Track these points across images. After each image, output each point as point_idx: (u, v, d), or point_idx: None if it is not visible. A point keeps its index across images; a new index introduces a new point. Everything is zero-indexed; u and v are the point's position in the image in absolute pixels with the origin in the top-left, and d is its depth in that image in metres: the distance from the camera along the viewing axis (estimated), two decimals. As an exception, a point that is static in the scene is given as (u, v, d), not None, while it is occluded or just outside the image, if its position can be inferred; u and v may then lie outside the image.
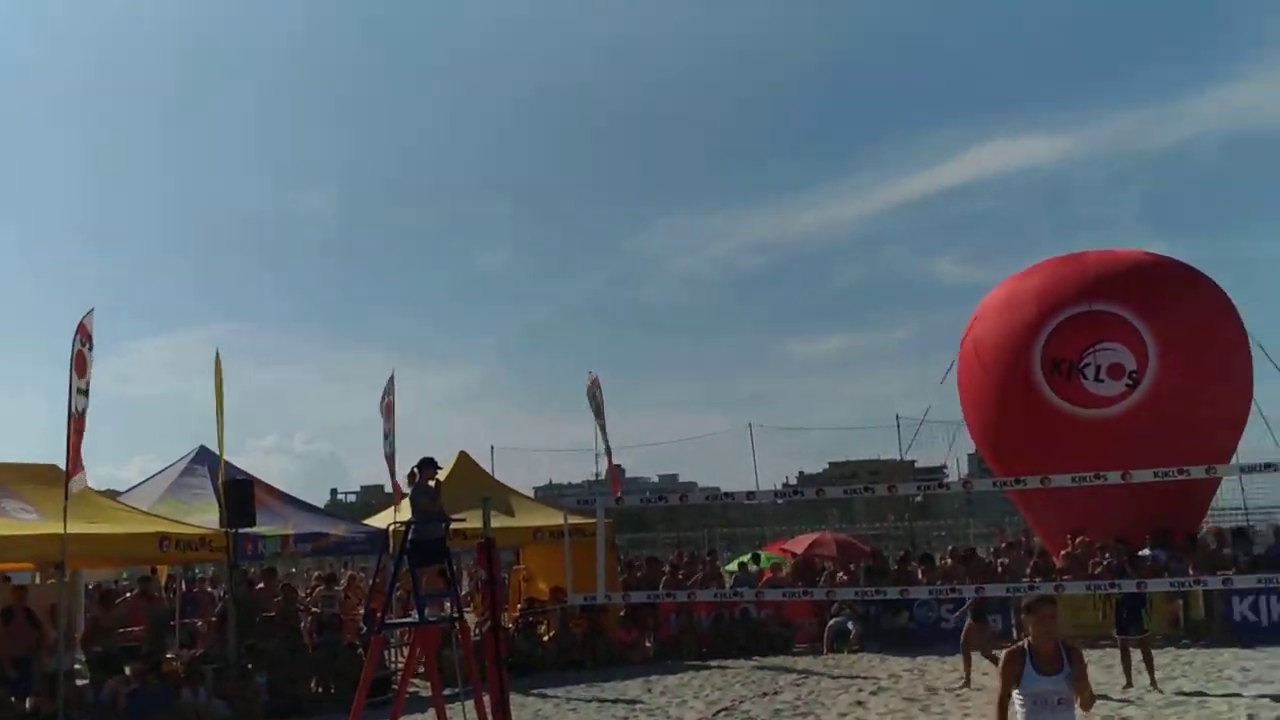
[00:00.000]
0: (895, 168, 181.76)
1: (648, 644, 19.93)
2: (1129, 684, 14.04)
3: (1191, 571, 18.07)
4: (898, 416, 28.20)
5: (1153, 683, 13.85)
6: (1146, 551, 18.89)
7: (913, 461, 32.39)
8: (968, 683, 14.74)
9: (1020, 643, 6.02)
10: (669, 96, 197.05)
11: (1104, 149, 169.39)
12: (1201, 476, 17.73)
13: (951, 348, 23.52)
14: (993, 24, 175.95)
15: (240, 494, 15.39)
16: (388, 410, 18.64)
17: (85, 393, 13.57)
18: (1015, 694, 5.89)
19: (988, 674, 14.94)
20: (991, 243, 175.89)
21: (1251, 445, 21.83)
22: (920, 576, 19.86)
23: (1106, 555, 16.72)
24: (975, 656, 15.05)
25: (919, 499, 32.43)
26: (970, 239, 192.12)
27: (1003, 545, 22.47)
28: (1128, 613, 14.45)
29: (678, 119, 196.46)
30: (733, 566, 23.26)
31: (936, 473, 45.12)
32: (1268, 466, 15.56)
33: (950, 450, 26.51)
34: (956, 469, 32.46)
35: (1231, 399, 21.05)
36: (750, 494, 20.20)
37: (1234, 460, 20.64)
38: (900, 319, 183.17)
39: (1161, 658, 14.75)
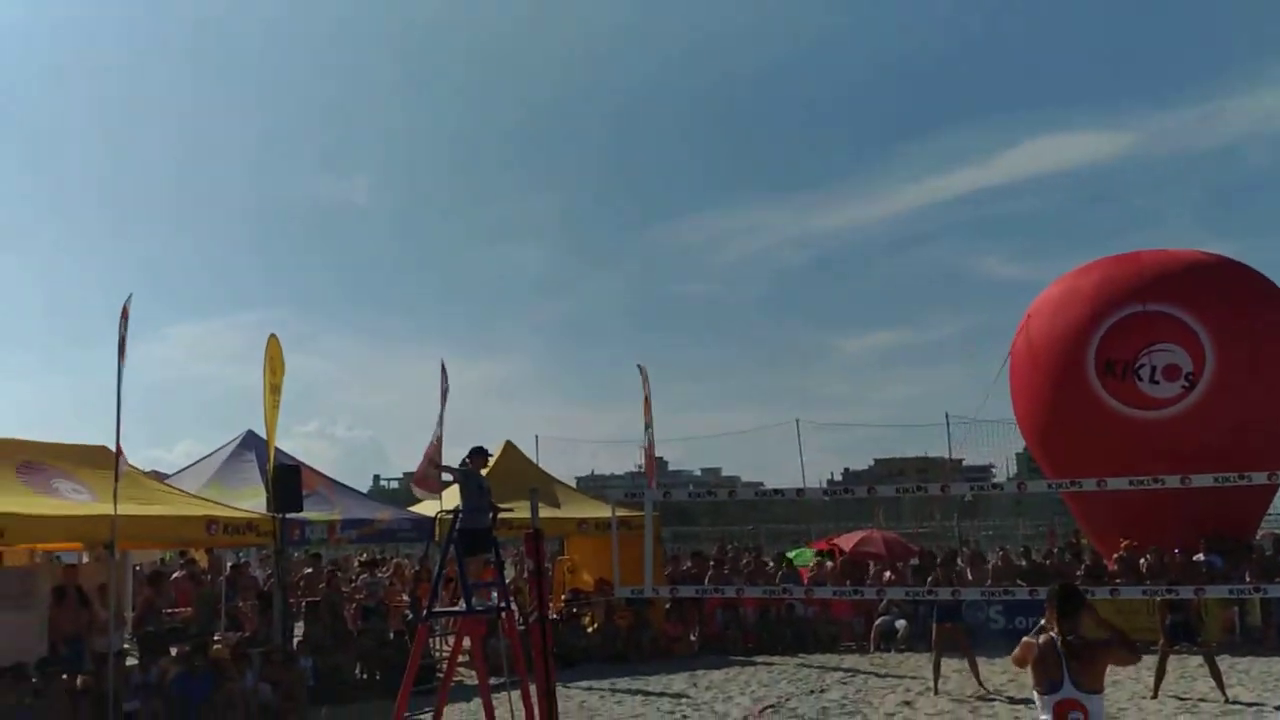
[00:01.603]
0: (943, 162, 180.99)
1: (692, 638, 19.82)
2: (1155, 695, 13.66)
3: (1248, 578, 17.76)
4: (947, 415, 27.99)
5: (1222, 692, 13.43)
6: (1201, 556, 18.57)
7: (960, 460, 32.14)
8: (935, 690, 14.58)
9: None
10: (706, 90, 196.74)
11: (1158, 147, 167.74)
12: (1263, 482, 17.44)
13: (1002, 346, 23.30)
14: (1043, 20, 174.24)
15: (288, 479, 15.39)
16: (442, 397, 18.55)
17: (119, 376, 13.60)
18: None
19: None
20: (1042, 240, 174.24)
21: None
22: (970, 576, 19.61)
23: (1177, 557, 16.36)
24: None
25: (968, 499, 32.14)
26: (1020, 236, 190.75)
27: (1053, 549, 22.16)
28: (1184, 620, 14.09)
29: (717, 113, 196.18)
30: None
31: (984, 471, 44.72)
32: (1331, 473, 15.29)
33: (1001, 450, 26.32)
34: (1005, 468, 32.11)
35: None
36: (800, 491, 20.01)
37: (1292, 465, 20.24)
38: (949, 316, 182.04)
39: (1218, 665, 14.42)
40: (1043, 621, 5.77)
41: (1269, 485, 19.49)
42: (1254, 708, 12.95)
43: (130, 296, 13.82)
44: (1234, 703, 13.20)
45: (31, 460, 14.24)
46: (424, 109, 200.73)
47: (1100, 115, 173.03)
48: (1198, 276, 21.13)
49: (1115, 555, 19.71)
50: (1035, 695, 5.56)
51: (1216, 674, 13.58)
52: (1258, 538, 21.62)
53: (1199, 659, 14.27)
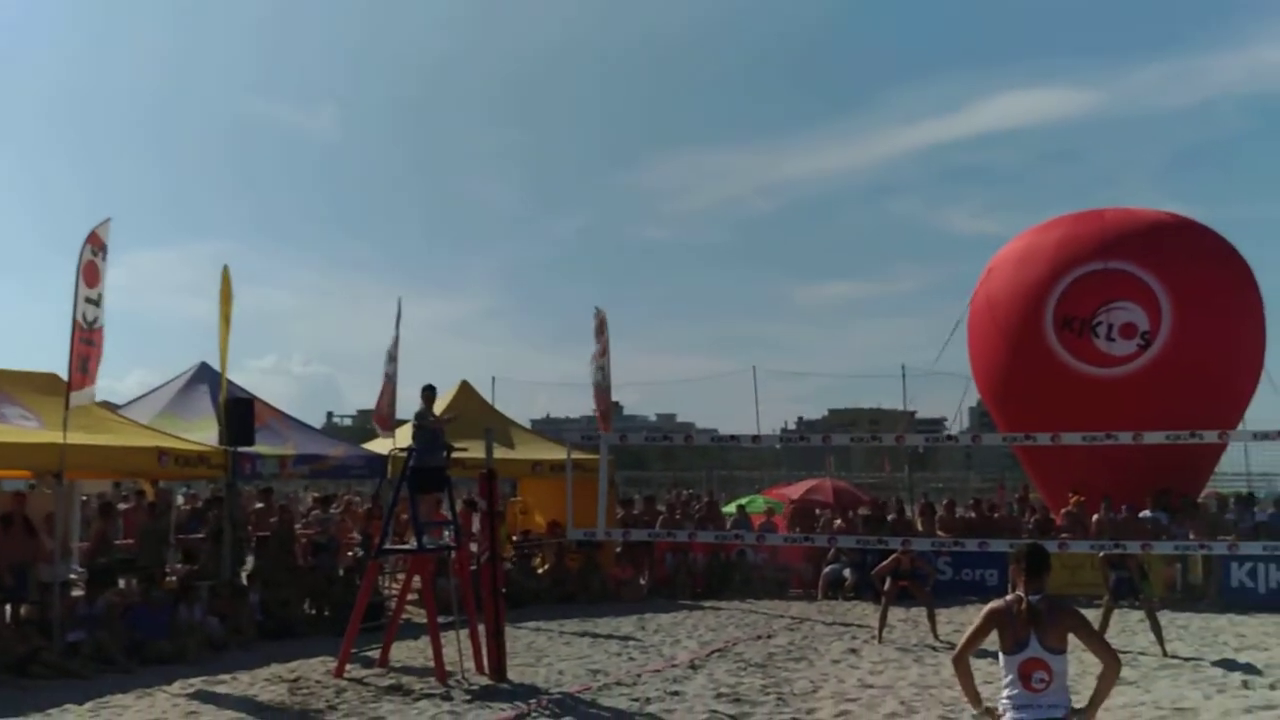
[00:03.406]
0: (908, 114, 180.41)
1: (642, 582, 19.91)
2: None
3: (1193, 535, 18.02)
4: (903, 366, 28.14)
5: (1161, 647, 13.60)
6: (1148, 513, 18.80)
7: (913, 412, 32.37)
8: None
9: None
10: (677, 32, 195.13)
11: (1125, 106, 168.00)
12: (1214, 441, 17.69)
13: (962, 300, 23.39)
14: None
15: (241, 412, 15.24)
16: (395, 334, 18.39)
17: (97, 303, 13.23)
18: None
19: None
20: (1007, 196, 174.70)
21: (1257, 412, 21.76)
22: (920, 528, 19.79)
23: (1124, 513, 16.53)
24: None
25: (920, 450, 32.34)
26: (985, 191, 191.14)
27: (1003, 503, 22.39)
28: (1128, 576, 14.25)
29: (681, 58, 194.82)
30: (730, 509, 23.19)
31: (937, 424, 45.14)
32: (1280, 434, 15.45)
33: (960, 403, 26.45)
34: (958, 422, 32.38)
35: (1243, 364, 20.94)
36: (755, 438, 20.08)
37: (1241, 426, 20.52)
38: (911, 268, 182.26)
39: (1159, 620, 14.58)
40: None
41: (1218, 444, 19.82)
42: (1191, 662, 13.13)
43: (106, 221, 13.36)
44: (1173, 657, 13.37)
45: (-22, 386, 14.01)
46: (397, 40, 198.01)
47: (1072, 71, 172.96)
48: (1159, 236, 21.28)
49: (1064, 510, 19.93)
50: (1000, 655, 5.52)
51: (1157, 629, 13.75)
52: (1202, 496, 21.89)
53: (1140, 614, 14.45)
